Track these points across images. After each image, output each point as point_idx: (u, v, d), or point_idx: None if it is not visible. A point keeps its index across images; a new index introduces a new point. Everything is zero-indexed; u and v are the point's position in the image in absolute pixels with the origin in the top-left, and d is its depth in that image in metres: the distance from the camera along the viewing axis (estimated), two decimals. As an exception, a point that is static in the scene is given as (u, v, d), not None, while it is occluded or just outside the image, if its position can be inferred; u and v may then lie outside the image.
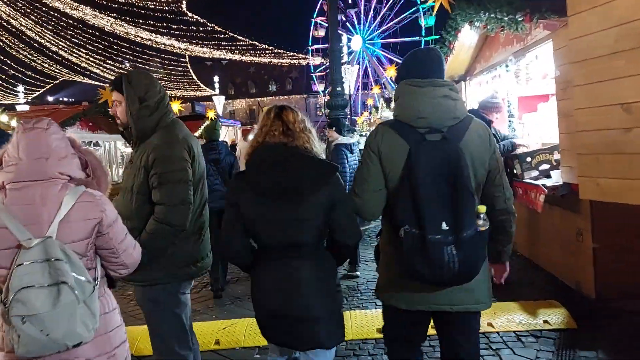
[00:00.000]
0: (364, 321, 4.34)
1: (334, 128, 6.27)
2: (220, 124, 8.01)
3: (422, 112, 2.11)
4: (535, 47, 5.41)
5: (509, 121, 6.30)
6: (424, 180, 2.00)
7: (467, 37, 6.91)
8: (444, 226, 1.97)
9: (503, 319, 4.22)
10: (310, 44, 42.44)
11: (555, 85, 4.72)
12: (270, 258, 2.19)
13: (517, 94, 6.32)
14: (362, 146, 5.73)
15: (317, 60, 41.37)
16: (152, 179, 2.38)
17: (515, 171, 5.19)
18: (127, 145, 11.97)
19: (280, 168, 2.10)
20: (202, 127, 7.69)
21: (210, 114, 19.13)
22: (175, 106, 17.14)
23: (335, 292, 2.27)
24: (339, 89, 9.21)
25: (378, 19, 41.44)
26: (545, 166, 5.02)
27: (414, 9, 36.59)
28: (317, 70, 43.96)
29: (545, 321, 4.13)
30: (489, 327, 4.10)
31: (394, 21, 39.55)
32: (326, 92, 43.31)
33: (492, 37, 6.79)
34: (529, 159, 5.01)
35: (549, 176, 4.97)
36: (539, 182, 4.74)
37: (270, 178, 2.10)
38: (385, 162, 2.15)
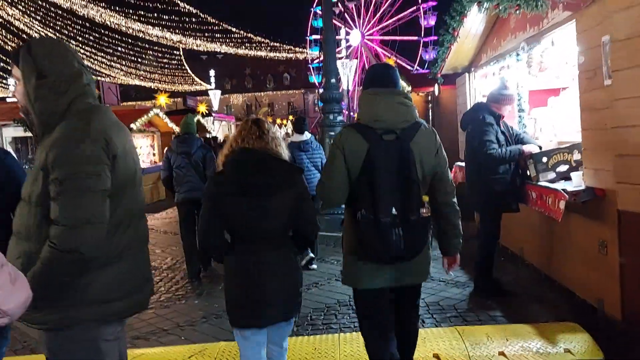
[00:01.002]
0: (355, 349, 3.71)
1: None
2: (195, 118, 7.94)
3: (379, 115, 2.48)
4: (551, 31, 4.77)
5: (519, 116, 5.67)
6: (379, 173, 2.40)
7: (474, 22, 6.28)
8: (394, 211, 2.37)
9: (517, 346, 3.60)
10: (308, 34, 41.57)
11: (578, 74, 4.07)
12: (243, 248, 2.52)
13: (528, 86, 5.67)
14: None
15: (316, 51, 40.32)
16: (51, 187, 1.70)
17: (528, 173, 4.56)
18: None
19: (255, 169, 2.45)
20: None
21: (201, 108, 18.60)
22: (163, 99, 16.52)
23: (297, 273, 2.66)
24: (333, 80, 8.57)
25: (378, 15, 40.67)
26: (563, 167, 4.40)
27: (414, 7, 35.85)
28: (315, 62, 43.06)
29: (567, 350, 3.52)
30: (500, 356, 3.49)
31: (394, 18, 38.79)
32: (321, 83, 42.42)
33: (501, 22, 6.15)
34: (544, 159, 4.39)
35: (566, 179, 4.36)
36: (557, 186, 4.12)
37: (247, 177, 2.44)
38: (348, 158, 2.50)
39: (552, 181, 4.35)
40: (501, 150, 4.50)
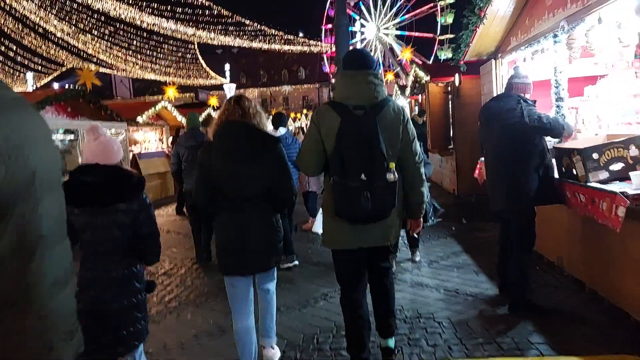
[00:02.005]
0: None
1: None
2: (206, 112, 8.15)
3: (350, 93, 2.86)
4: (599, 6, 4.07)
5: (557, 106, 4.97)
6: (349, 143, 2.79)
7: (502, 1, 5.57)
8: (363, 177, 2.76)
9: (566, 386, 2.95)
10: (324, 23, 40.77)
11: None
12: (229, 208, 2.96)
13: (567, 72, 4.96)
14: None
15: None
16: None
17: (575, 171, 3.87)
18: (119, 133, 10.18)
19: (240, 138, 2.92)
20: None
21: (213, 102, 18.09)
22: (171, 91, 16.03)
23: (276, 230, 3.07)
24: (345, 70, 7.90)
25: (394, 9, 39.68)
26: (617, 165, 3.69)
27: (432, 4, 34.83)
28: (329, 51, 42.25)
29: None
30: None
31: (411, 14, 37.78)
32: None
33: (535, 0, 5.43)
34: (595, 156, 3.69)
35: (622, 179, 3.66)
36: (614, 188, 3.42)
37: (233, 145, 2.90)
38: (323, 131, 2.87)
39: (604, 182, 3.66)
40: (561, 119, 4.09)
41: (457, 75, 10.11)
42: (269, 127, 3.05)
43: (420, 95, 14.31)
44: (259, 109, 3.04)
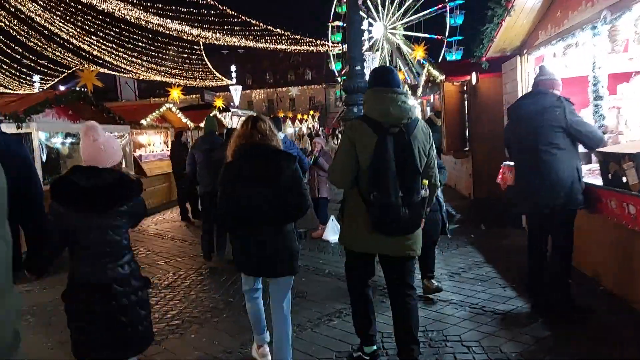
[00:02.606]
0: None
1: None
2: (211, 113, 8.48)
3: (386, 112, 2.96)
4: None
5: (595, 105, 4.53)
6: (387, 161, 2.92)
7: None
8: (401, 194, 2.92)
9: None
10: (331, 19, 40.19)
11: None
12: (248, 224, 3.16)
13: (607, 67, 4.52)
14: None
15: (339, 38, 38.53)
16: None
17: (624, 178, 3.43)
18: (122, 136, 9.87)
19: (256, 157, 3.12)
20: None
21: (218, 103, 17.73)
22: (175, 93, 15.66)
23: (293, 241, 3.23)
24: (357, 68, 7.52)
25: (402, 10, 39.06)
26: (676, 173, 3.25)
27: (441, 5, 34.25)
28: (336, 49, 41.61)
29: None
30: None
31: (418, 14, 37.20)
32: (342, 71, 40.96)
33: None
34: (650, 162, 3.25)
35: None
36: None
37: (255, 166, 3.08)
38: (358, 147, 3.00)
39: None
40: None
41: (473, 74, 9.67)
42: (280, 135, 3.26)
43: (432, 95, 13.86)
44: (273, 129, 3.24)
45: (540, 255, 4.34)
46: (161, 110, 12.51)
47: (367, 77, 9.91)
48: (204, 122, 7.19)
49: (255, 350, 3.61)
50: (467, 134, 10.45)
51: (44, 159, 8.12)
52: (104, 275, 2.57)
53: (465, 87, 10.37)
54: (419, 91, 14.26)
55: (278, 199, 3.03)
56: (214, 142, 6.56)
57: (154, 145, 13.41)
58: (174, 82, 36.28)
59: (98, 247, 2.57)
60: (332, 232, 7.54)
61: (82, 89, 8.75)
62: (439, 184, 3.30)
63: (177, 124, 14.03)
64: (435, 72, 10.77)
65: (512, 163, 6.22)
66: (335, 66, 40.88)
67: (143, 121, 11.66)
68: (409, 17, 38.28)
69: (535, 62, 6.22)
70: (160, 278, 6.09)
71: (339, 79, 41.81)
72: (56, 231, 2.59)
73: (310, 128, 42.71)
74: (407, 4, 37.81)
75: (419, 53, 20.28)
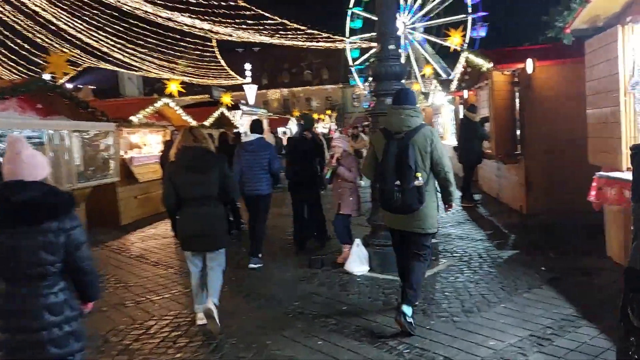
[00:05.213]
0: None
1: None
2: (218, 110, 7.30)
3: (394, 123, 4.11)
4: None
5: None
6: (389, 158, 4.01)
7: None
8: (397, 183, 3.94)
9: None
10: (347, 35, 38.54)
11: None
12: (189, 205, 4.25)
13: None
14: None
15: (359, 25, 36.77)
16: None
17: None
18: (106, 134, 8.11)
19: (197, 156, 4.25)
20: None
21: (225, 99, 16.13)
22: (174, 86, 14.00)
23: (224, 221, 4.54)
24: (391, 47, 5.72)
25: (425, 10, 37.06)
26: None
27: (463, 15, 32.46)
28: (357, 63, 39.96)
29: None
30: None
31: (440, 20, 35.36)
32: (366, 84, 39.23)
33: None
34: None
35: None
36: None
37: (190, 161, 4.23)
38: (375, 149, 4.26)
39: None
40: None
41: (529, 60, 7.82)
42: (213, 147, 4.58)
43: (467, 90, 11.97)
44: (206, 136, 4.43)
45: None
46: (156, 105, 10.85)
47: (402, 60, 8.16)
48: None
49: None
50: (518, 134, 8.60)
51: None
52: (36, 302, 2.34)
53: (515, 78, 8.52)
54: (453, 85, 12.40)
55: (209, 185, 4.25)
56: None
57: (149, 146, 11.77)
58: (188, 80, 34.86)
59: (28, 269, 2.34)
60: (357, 260, 5.75)
61: (50, 80, 7.11)
62: (449, 178, 4.09)
63: (178, 122, 12.39)
64: (479, 60, 8.93)
65: (617, 175, 4.41)
66: (359, 80, 39.29)
67: (134, 118, 10.01)
68: (428, 19, 36.33)
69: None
70: (118, 333, 4.39)
71: (352, 69, 40.10)
72: None
73: (325, 127, 40.99)
74: (430, 5, 35.76)
75: (456, 39, 18.40)
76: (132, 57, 35.38)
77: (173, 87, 14.22)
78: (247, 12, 27.49)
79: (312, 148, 6.68)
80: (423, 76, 31.64)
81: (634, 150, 2.67)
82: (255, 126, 6.70)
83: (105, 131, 8.84)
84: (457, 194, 4.40)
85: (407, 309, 3.99)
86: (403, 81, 6.18)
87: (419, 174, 3.91)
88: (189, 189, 4.18)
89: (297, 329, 4.26)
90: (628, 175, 4.51)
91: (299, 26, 30.39)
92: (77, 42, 34.05)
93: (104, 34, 32.36)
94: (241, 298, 5.16)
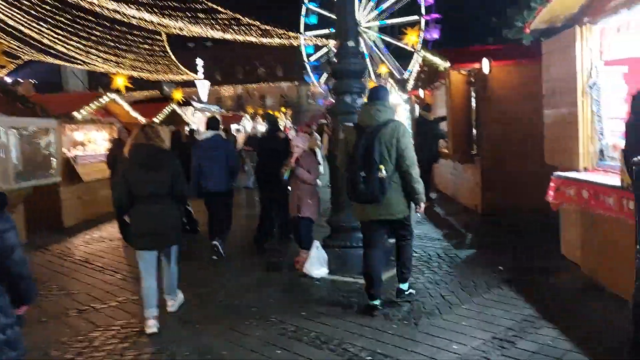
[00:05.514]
0: None
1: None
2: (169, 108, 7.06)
3: (365, 118, 4.39)
4: None
5: None
6: (356, 151, 4.24)
7: None
8: (362, 174, 4.17)
9: None
10: (302, 31, 38.16)
11: None
12: (142, 202, 4.24)
13: None
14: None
15: (314, 21, 36.43)
16: None
17: None
18: (47, 131, 7.67)
19: (150, 154, 4.28)
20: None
21: (177, 95, 15.61)
22: (120, 80, 13.40)
23: (178, 219, 4.53)
24: (350, 44, 5.59)
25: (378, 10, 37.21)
26: None
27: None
28: (312, 60, 39.64)
29: None
30: None
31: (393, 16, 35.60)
32: (321, 81, 39.00)
33: None
34: None
35: None
36: None
37: (144, 159, 4.25)
38: (348, 142, 4.43)
39: None
40: None
41: (485, 60, 7.90)
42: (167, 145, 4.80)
43: (422, 89, 12.05)
44: (159, 134, 4.43)
45: None
46: (101, 101, 10.29)
47: (360, 58, 8.03)
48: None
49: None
50: (474, 134, 8.69)
51: None
52: None
53: (472, 78, 8.59)
54: (409, 85, 12.45)
55: (162, 182, 4.27)
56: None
57: (95, 144, 11.17)
58: (136, 76, 33.59)
59: None
60: (316, 262, 5.58)
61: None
62: (412, 171, 4.30)
63: (126, 119, 11.83)
64: (436, 59, 8.96)
65: (574, 176, 4.45)
66: (314, 77, 38.98)
67: (77, 114, 9.44)
68: (379, 8, 36.36)
69: (604, 34, 4.45)
70: (60, 347, 4.04)
71: (307, 65, 39.78)
72: None
73: (280, 125, 40.58)
74: (385, 5, 35.88)
75: (412, 38, 18.55)
76: (76, 50, 33.79)
77: (119, 82, 13.58)
78: (199, 6, 26.73)
79: (285, 148, 6.47)
80: (379, 75, 31.82)
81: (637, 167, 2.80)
82: (212, 123, 6.77)
83: (46, 128, 8.28)
84: (422, 190, 4.36)
85: (404, 285, 4.61)
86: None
87: (382, 167, 4.14)
88: (142, 186, 4.20)
89: (254, 337, 4.05)
90: (585, 176, 4.56)
91: (252, 22, 29.87)
92: (16, 33, 32.18)
93: (46, 26, 30.74)
94: (196, 305, 4.88)
